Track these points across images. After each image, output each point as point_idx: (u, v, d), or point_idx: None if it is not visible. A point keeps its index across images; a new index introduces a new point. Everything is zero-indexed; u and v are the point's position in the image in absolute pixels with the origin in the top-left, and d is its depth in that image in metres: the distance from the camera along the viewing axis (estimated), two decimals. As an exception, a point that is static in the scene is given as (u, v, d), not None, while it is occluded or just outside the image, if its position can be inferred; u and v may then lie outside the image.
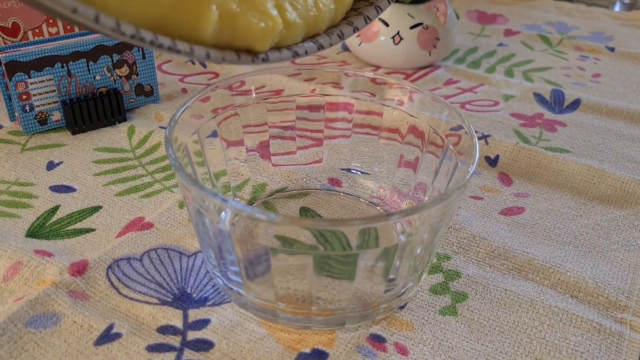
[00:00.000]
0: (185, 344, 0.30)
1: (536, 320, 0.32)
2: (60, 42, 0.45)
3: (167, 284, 0.33)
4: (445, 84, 0.57)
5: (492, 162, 0.46)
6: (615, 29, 0.72)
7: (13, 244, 0.35)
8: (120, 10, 0.21)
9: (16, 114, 0.46)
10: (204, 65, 0.58)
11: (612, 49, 0.66)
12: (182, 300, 0.32)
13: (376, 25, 0.58)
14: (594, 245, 0.38)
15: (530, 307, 0.33)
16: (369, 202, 0.40)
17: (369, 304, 0.30)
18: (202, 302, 0.32)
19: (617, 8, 0.82)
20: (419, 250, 0.30)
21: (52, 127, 0.47)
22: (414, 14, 0.57)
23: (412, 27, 0.57)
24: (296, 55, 0.26)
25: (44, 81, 0.45)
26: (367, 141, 0.40)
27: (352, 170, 0.41)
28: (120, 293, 0.33)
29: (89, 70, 0.46)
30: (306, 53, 0.27)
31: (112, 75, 0.47)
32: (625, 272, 0.36)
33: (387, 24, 0.57)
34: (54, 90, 0.45)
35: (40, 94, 0.45)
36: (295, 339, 0.31)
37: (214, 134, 0.36)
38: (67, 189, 0.41)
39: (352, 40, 0.60)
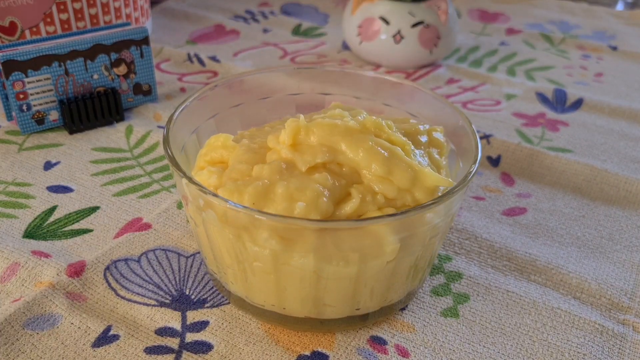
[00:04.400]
0: (184, 346, 0.30)
1: (538, 322, 0.32)
2: (57, 41, 0.44)
3: (165, 285, 0.33)
4: (446, 83, 0.57)
5: (494, 162, 0.45)
6: (617, 27, 0.71)
7: (10, 245, 0.35)
8: None
9: (13, 114, 0.45)
10: (203, 64, 0.58)
11: (614, 48, 0.66)
12: (181, 301, 0.32)
13: (377, 23, 0.57)
14: (597, 246, 0.38)
15: (532, 309, 0.33)
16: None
17: (369, 306, 0.30)
18: (200, 303, 0.32)
19: (619, 7, 0.82)
20: (420, 251, 0.29)
21: (50, 127, 0.46)
22: (415, 12, 0.57)
23: (413, 26, 0.57)
24: None
25: (41, 80, 0.44)
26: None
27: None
28: (118, 294, 0.32)
29: (86, 69, 0.46)
30: None
31: (110, 74, 0.47)
32: (628, 273, 0.35)
33: (387, 23, 0.57)
34: (52, 90, 0.45)
35: (37, 93, 0.44)
36: (294, 341, 0.30)
37: (213, 134, 0.36)
38: (65, 189, 0.40)
39: (352, 39, 0.59)
